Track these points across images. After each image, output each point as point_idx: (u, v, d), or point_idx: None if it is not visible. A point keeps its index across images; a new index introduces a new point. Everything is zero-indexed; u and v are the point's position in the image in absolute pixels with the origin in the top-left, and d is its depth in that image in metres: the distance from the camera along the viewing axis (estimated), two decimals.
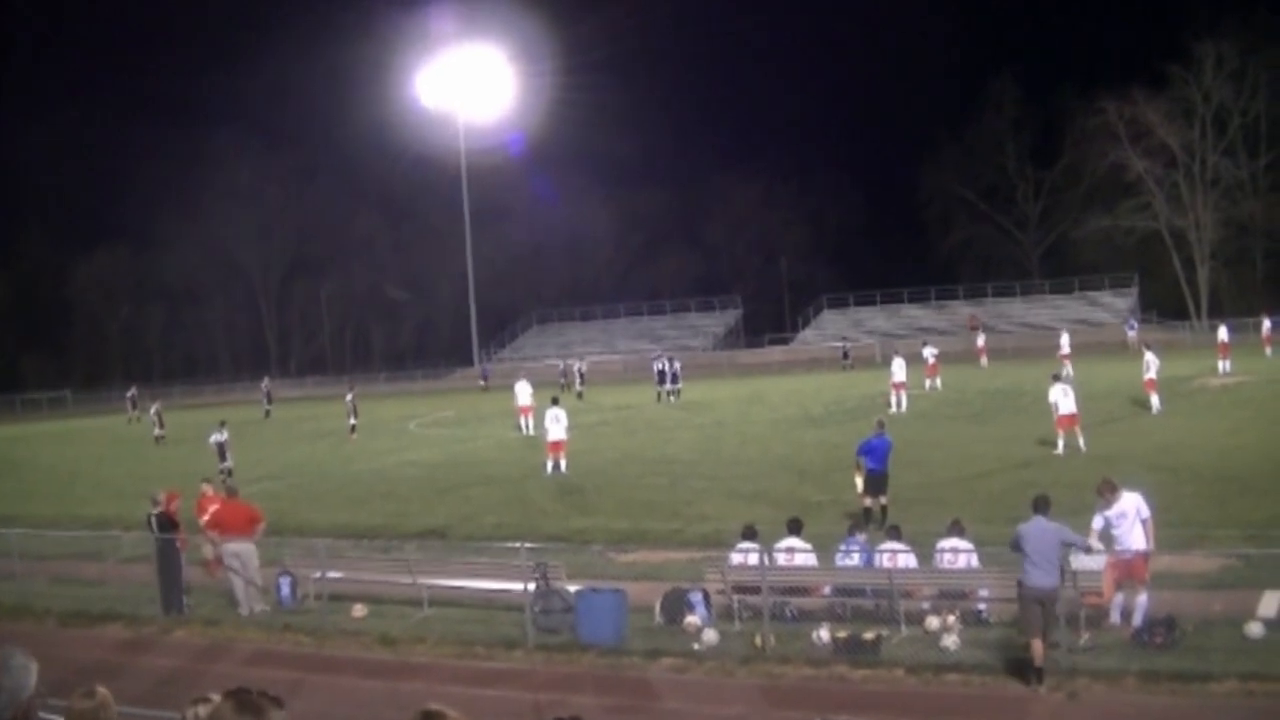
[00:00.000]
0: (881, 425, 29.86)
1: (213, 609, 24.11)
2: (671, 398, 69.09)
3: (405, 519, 33.44)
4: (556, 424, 41.01)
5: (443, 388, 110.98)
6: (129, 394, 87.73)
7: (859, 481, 28.25)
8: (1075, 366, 64.02)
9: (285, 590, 23.97)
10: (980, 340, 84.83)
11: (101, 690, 6.51)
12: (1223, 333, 62.05)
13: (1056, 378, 39.90)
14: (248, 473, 43.11)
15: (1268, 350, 68.05)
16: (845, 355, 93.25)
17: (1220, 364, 58.97)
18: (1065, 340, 69.32)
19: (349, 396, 60.04)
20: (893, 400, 53.90)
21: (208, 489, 28.24)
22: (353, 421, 58.38)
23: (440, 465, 45.99)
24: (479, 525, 31.62)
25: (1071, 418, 37.17)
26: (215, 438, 45.89)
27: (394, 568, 24.31)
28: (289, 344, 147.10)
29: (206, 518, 26.00)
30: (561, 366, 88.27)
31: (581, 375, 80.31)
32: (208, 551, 26.12)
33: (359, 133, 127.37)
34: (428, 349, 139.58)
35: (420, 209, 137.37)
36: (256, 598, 23.79)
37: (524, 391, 54.91)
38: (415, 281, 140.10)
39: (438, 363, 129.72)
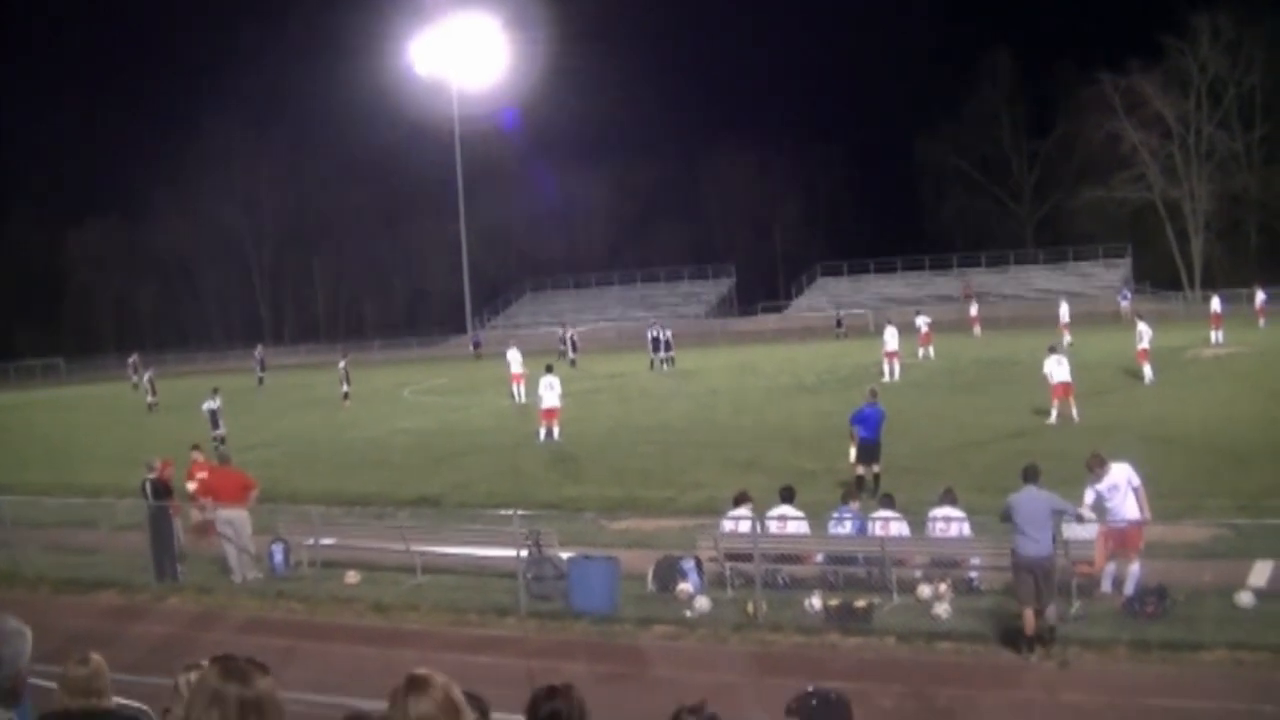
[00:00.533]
0: (874, 394, 29.94)
1: (206, 576, 24.17)
2: (665, 365, 69.08)
3: (399, 486, 33.46)
4: (550, 391, 41.03)
5: (436, 355, 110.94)
6: (130, 360, 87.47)
7: (852, 450, 28.34)
8: (1070, 336, 64.16)
9: (278, 558, 24.03)
10: (974, 309, 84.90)
11: (95, 657, 6.53)
12: (1215, 304, 62.19)
13: (1052, 349, 39.92)
14: (241, 440, 43.02)
15: (1261, 322, 68.11)
16: (839, 324, 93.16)
17: (1213, 335, 59.11)
18: (1064, 310, 69.30)
19: (342, 364, 60.00)
20: (885, 369, 54.21)
21: (198, 456, 28.22)
22: (346, 389, 58.40)
23: (434, 433, 46.05)
24: (472, 493, 31.68)
25: (1065, 387, 37.28)
26: (208, 405, 45.75)
27: (387, 535, 24.39)
28: (282, 314, 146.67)
29: (195, 484, 26.09)
30: (561, 334, 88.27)
31: (574, 343, 79.90)
32: (195, 516, 26.20)
33: (352, 101, 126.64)
34: (421, 318, 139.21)
35: (413, 177, 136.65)
36: (249, 565, 23.82)
37: (515, 359, 55.16)
38: (408, 250, 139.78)
39: (431, 331, 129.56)
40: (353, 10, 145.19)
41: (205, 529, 25.81)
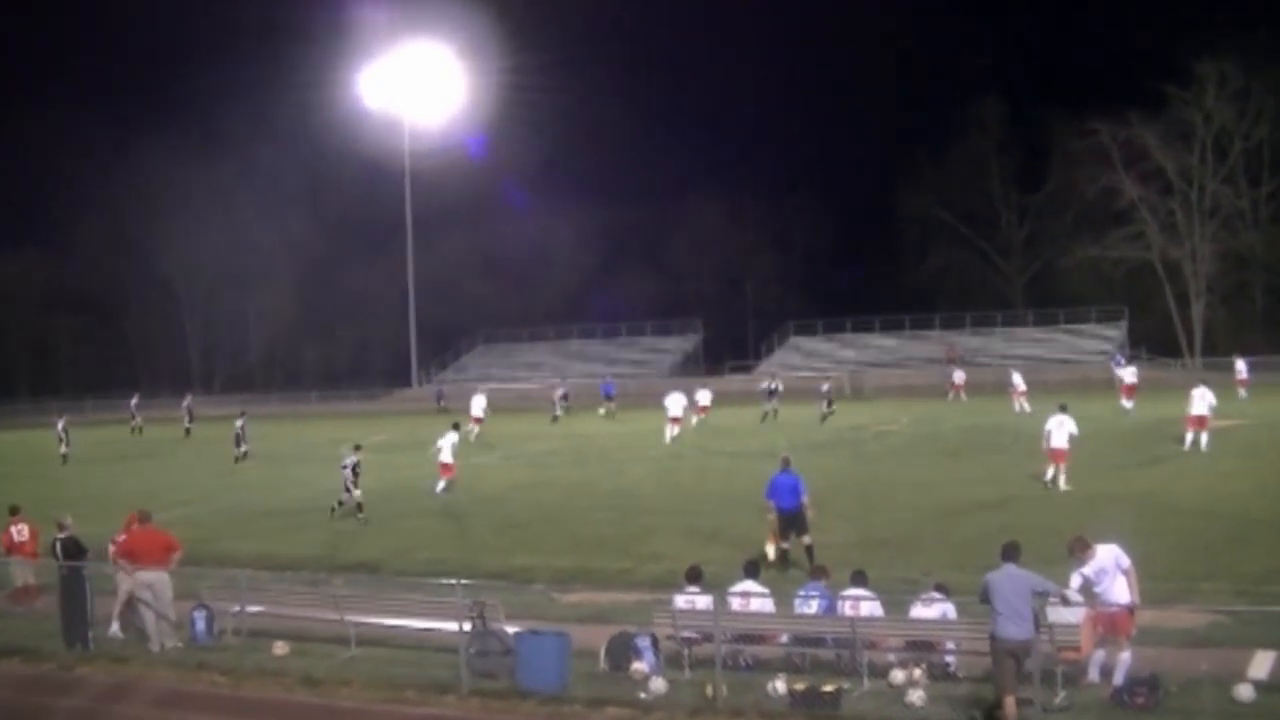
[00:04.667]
0: (786, 462, 29.85)
1: (120, 644, 23.93)
2: (774, 415, 71.59)
3: (334, 551, 33.39)
4: (449, 448, 43.52)
5: (379, 410, 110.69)
6: (131, 402, 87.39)
7: (769, 547, 28.32)
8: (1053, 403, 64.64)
9: (200, 625, 23.84)
10: (959, 376, 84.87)
11: None
12: (1129, 374, 66.00)
13: (1063, 408, 40.44)
14: (164, 497, 42.72)
15: (1242, 393, 68.19)
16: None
17: (1123, 403, 61.55)
18: (1018, 378, 70.94)
19: (239, 422, 59.88)
20: (668, 433, 60.01)
21: (14, 522, 27.99)
22: (243, 449, 57.95)
23: (374, 493, 45.72)
24: (413, 559, 31.65)
25: (1060, 453, 38.35)
26: (349, 459, 42.86)
27: (320, 603, 24.21)
28: (213, 361, 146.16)
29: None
30: (563, 390, 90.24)
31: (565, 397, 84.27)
32: (16, 578, 26.79)
33: (295, 135, 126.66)
34: (365, 369, 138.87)
35: (361, 218, 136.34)
36: (169, 632, 23.62)
37: (478, 404, 66.38)
38: (352, 297, 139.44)
39: (375, 383, 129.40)
40: (298, 40, 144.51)
41: (29, 591, 26.48)
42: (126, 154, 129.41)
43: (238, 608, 23.59)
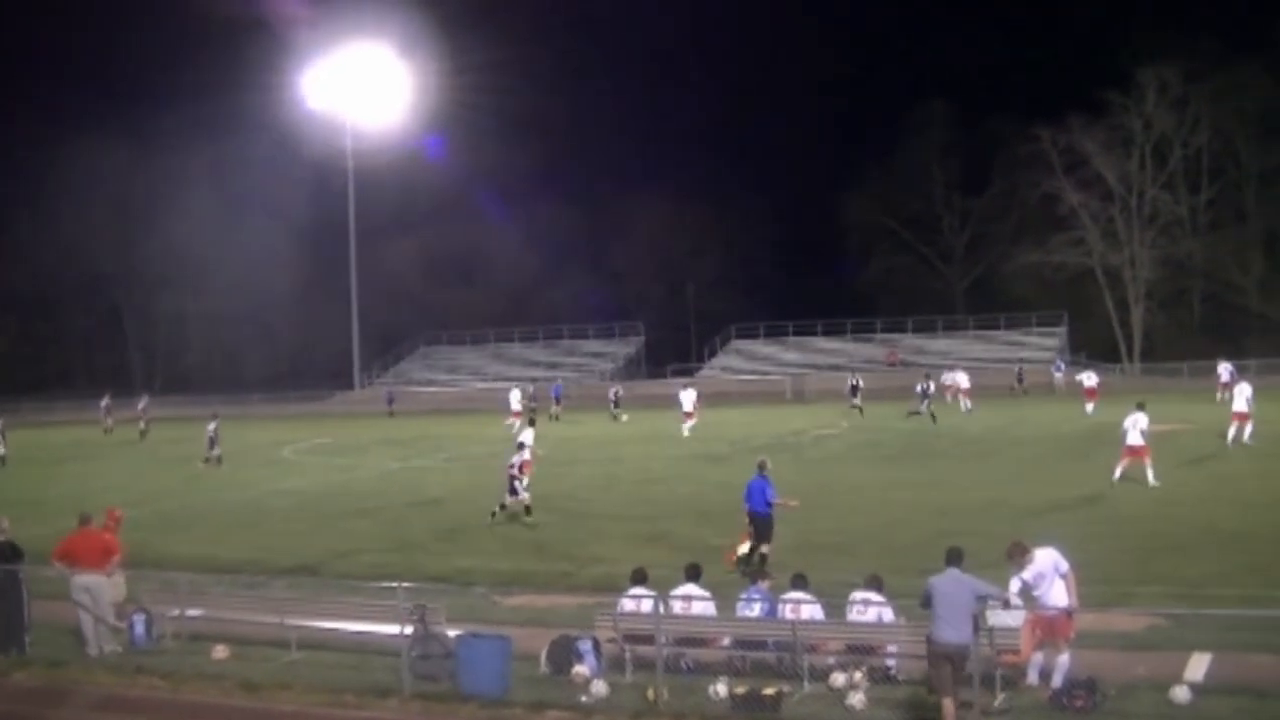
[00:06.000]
0: (761, 465, 29.87)
1: (57, 649, 23.71)
2: (859, 412, 72.96)
3: (275, 554, 33.19)
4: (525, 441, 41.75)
5: (321, 411, 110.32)
6: (102, 402, 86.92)
7: (743, 546, 28.42)
8: (993, 407, 64.89)
9: (139, 629, 23.63)
10: (948, 378, 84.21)
11: None
12: (1090, 378, 67.73)
13: (1140, 406, 41.38)
14: (105, 500, 42.32)
15: (1221, 396, 68.24)
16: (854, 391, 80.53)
17: (1087, 407, 63.16)
18: (963, 377, 72.03)
19: (212, 425, 58.88)
20: (685, 428, 64.34)
21: None
22: (216, 452, 57.37)
23: (315, 496, 45.72)
24: (355, 562, 31.50)
25: (1135, 450, 39.33)
26: (516, 459, 40.56)
27: (260, 606, 24.05)
28: (154, 362, 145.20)
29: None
30: (531, 390, 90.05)
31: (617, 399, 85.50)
32: None
33: (237, 134, 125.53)
34: (307, 370, 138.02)
35: (303, 219, 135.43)
36: (107, 636, 23.41)
37: (514, 398, 75.15)
38: (295, 298, 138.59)
39: (317, 385, 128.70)
40: (241, 40, 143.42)
41: None
42: (64, 152, 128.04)
43: (177, 611, 23.44)
